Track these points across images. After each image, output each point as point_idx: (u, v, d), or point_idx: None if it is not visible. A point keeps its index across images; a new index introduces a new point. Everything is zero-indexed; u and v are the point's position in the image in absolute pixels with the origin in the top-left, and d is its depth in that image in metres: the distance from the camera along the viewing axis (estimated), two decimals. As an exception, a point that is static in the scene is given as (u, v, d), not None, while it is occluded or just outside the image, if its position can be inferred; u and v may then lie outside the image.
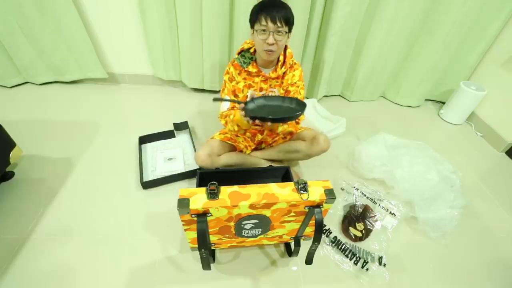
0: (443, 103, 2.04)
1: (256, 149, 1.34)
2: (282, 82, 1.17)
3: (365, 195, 1.32)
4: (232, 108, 1.19)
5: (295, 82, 1.17)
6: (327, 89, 2.01)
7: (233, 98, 1.19)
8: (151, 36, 1.70)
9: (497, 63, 1.74)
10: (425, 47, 1.77)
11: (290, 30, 1.04)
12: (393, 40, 1.73)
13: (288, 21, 1.00)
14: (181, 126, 1.56)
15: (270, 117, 0.96)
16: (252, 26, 1.05)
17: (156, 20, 1.62)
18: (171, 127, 1.55)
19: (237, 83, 1.17)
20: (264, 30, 1.00)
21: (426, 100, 2.12)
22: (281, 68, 1.12)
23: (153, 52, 1.79)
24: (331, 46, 1.70)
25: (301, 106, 1.03)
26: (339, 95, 2.12)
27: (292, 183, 0.82)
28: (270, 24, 0.97)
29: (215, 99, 1.01)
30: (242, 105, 1.02)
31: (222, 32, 1.63)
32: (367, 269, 1.04)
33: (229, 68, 1.17)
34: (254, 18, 1.02)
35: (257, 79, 1.15)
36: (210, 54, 1.72)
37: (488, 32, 1.70)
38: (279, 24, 0.98)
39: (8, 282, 0.93)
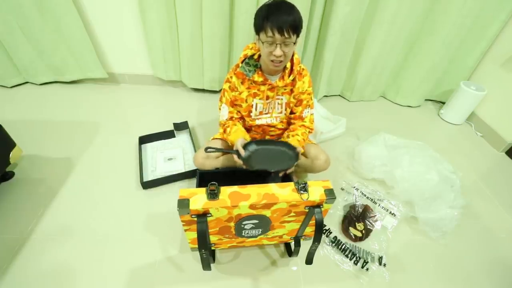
0: (443, 103, 2.04)
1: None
2: (292, 91, 1.11)
3: (365, 195, 1.32)
4: (230, 118, 1.16)
5: (306, 89, 1.12)
6: (327, 89, 2.01)
7: (233, 111, 1.17)
8: (151, 36, 1.70)
9: (497, 63, 1.74)
10: (425, 47, 1.77)
11: (298, 36, 0.95)
12: (393, 40, 1.74)
13: (297, 29, 0.91)
14: (181, 126, 1.56)
15: (272, 170, 1.00)
16: (257, 33, 0.96)
17: (156, 20, 1.62)
18: (171, 127, 1.55)
19: (240, 93, 1.12)
20: (270, 42, 0.92)
21: (426, 100, 2.12)
22: (288, 76, 1.06)
23: (153, 52, 1.79)
24: (331, 46, 1.70)
25: (292, 149, 1.05)
26: (339, 95, 2.12)
27: (292, 183, 0.82)
28: (277, 36, 0.89)
29: (208, 150, 1.05)
30: (236, 152, 1.03)
31: (222, 32, 1.63)
32: (367, 269, 1.05)
33: (231, 77, 1.11)
34: (259, 25, 0.92)
35: (263, 88, 1.09)
36: (210, 54, 1.72)
37: (488, 32, 1.70)
38: (286, 35, 0.89)
39: (8, 282, 0.93)
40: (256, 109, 1.15)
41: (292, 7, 0.92)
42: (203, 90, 1.98)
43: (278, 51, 0.93)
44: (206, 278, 0.98)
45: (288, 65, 1.06)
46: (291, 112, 1.19)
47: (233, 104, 1.16)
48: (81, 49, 1.74)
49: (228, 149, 1.10)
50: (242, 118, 1.21)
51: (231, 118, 1.17)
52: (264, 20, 0.90)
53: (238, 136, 1.08)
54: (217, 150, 1.06)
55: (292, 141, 1.10)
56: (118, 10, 1.64)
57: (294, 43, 0.95)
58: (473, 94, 1.76)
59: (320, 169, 1.18)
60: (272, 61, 0.97)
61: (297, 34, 0.93)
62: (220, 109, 1.18)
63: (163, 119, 1.69)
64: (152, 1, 1.54)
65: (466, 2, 1.55)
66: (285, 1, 0.93)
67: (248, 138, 1.13)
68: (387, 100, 2.11)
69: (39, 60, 1.77)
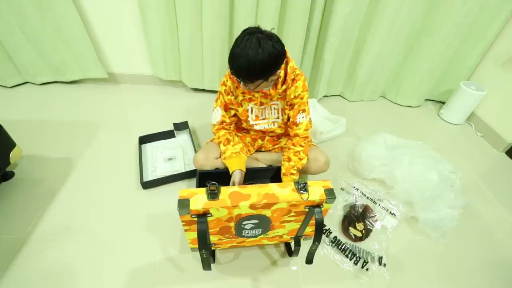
0: (443, 103, 2.04)
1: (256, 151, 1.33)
2: (285, 97, 1.10)
3: (365, 195, 1.32)
4: (221, 122, 1.16)
5: (299, 94, 1.08)
6: (327, 89, 2.01)
7: (225, 115, 1.17)
8: (151, 36, 1.70)
9: (497, 63, 1.74)
10: (425, 47, 1.77)
11: (271, 75, 0.92)
12: (393, 40, 1.73)
13: (267, 75, 0.90)
14: (181, 126, 1.56)
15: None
16: None
17: (156, 20, 1.62)
18: (171, 127, 1.55)
19: (235, 97, 1.11)
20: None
21: (426, 100, 2.12)
22: (281, 85, 1.02)
23: (153, 52, 1.79)
24: (331, 46, 1.70)
25: None
26: (339, 95, 2.12)
27: (292, 183, 0.82)
28: (248, 85, 0.93)
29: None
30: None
31: (222, 32, 1.63)
32: (367, 269, 1.05)
33: (226, 81, 1.10)
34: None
35: (257, 94, 1.08)
36: (210, 54, 1.72)
37: (488, 32, 1.70)
38: (255, 84, 0.92)
39: (8, 282, 0.93)
40: (252, 113, 1.15)
41: (255, 64, 0.84)
42: (203, 90, 1.98)
43: (248, 88, 0.96)
44: (206, 278, 0.98)
45: (282, 73, 1.01)
46: (288, 118, 1.17)
47: (227, 108, 1.15)
48: (81, 49, 1.74)
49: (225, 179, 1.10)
50: (238, 120, 1.21)
51: (222, 122, 1.16)
52: (232, 71, 0.90)
53: (235, 166, 1.08)
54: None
55: (286, 179, 1.09)
56: (118, 10, 1.64)
57: (266, 80, 0.93)
58: (473, 94, 1.76)
59: (320, 171, 1.18)
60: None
61: (271, 75, 0.92)
62: (213, 110, 1.17)
63: (163, 119, 1.69)
64: (152, 1, 1.54)
65: (466, 2, 1.55)
66: (256, 39, 0.83)
67: (244, 162, 1.11)
68: (387, 100, 2.11)
69: (39, 60, 1.77)
